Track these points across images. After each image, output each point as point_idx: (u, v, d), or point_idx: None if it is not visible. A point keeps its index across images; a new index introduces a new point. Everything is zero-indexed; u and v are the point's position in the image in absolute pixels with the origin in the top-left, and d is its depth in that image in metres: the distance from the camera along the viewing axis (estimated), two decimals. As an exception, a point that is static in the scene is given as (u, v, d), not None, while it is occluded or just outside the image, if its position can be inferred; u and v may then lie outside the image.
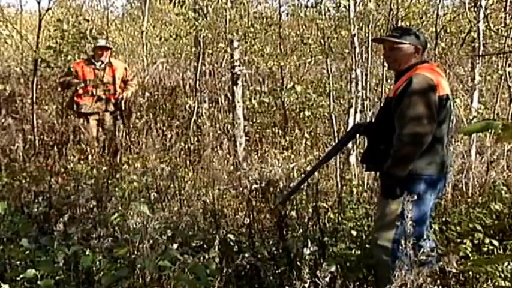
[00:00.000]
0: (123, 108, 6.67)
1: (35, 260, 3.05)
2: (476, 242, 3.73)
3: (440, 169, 3.07)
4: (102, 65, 6.57)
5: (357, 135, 4.16)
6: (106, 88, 6.53)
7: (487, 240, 3.73)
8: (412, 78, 3.03)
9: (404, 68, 3.17)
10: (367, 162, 3.35)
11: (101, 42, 6.80)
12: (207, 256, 3.03)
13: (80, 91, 6.49)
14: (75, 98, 6.60)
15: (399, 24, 6.67)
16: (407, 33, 3.24)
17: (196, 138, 7.29)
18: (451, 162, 4.41)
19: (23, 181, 4.97)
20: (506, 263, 3.33)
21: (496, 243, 3.72)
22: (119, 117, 6.71)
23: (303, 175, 5.52)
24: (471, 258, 3.55)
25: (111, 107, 6.60)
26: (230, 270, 3.10)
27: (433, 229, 3.68)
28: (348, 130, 4.19)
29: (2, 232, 3.41)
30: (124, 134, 6.73)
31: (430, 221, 3.31)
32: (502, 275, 3.28)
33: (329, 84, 6.48)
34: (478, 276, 3.28)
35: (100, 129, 6.58)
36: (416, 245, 2.56)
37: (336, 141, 5.97)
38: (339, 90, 7.49)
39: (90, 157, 6.04)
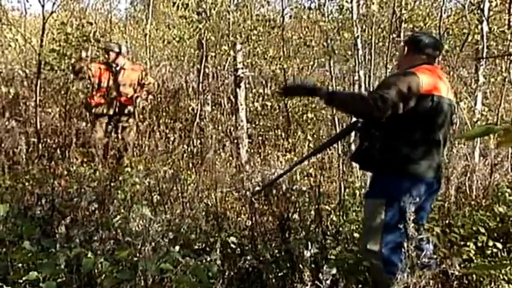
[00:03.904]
0: (132, 110, 6.68)
1: (37, 262, 3.05)
2: (479, 244, 3.71)
3: (436, 173, 3.07)
4: (117, 68, 6.60)
5: (354, 131, 4.17)
6: (111, 91, 6.55)
7: (490, 243, 3.71)
8: (398, 72, 3.17)
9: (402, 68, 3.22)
10: (357, 159, 3.36)
11: (107, 45, 6.88)
12: (209, 259, 3.02)
13: (93, 92, 6.57)
14: (88, 99, 6.69)
15: (402, 27, 6.67)
16: (411, 37, 3.36)
17: (199, 141, 7.29)
18: (453, 164, 4.41)
19: (26, 184, 4.97)
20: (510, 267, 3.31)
21: (499, 246, 3.70)
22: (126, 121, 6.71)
23: (305, 177, 5.53)
24: (474, 261, 3.53)
25: (117, 110, 6.61)
26: (232, 273, 3.09)
27: (434, 232, 3.67)
28: (346, 126, 4.22)
29: (5, 235, 3.40)
30: (132, 137, 6.73)
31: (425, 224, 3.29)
32: (506, 278, 3.27)
33: (332, 86, 6.47)
34: (481, 279, 3.26)
35: (106, 132, 6.60)
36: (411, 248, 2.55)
37: (338, 143, 5.98)
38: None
39: (96, 159, 6.05)
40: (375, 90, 3.14)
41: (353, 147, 6.28)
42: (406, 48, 3.25)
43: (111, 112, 6.57)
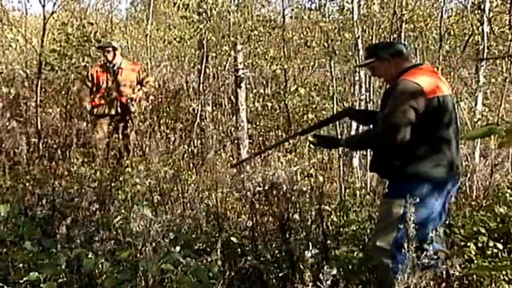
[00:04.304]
0: (132, 110, 6.65)
1: (38, 262, 3.05)
2: (480, 245, 3.70)
3: (449, 170, 3.06)
4: (115, 68, 6.60)
5: (347, 117, 4.23)
6: (111, 92, 6.55)
7: (491, 244, 3.70)
8: (396, 83, 3.09)
9: (395, 78, 3.20)
10: (375, 170, 3.37)
11: (103, 43, 6.93)
12: (209, 259, 3.03)
13: (94, 94, 6.59)
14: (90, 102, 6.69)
15: (403, 27, 6.67)
16: (371, 51, 3.39)
17: (199, 141, 7.29)
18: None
19: (27, 184, 4.97)
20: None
21: (500, 246, 3.70)
22: (127, 121, 6.70)
23: (306, 178, 5.52)
24: (475, 262, 3.53)
25: (118, 110, 6.60)
26: (233, 273, 3.10)
27: (440, 231, 3.67)
28: (339, 111, 4.28)
29: (6, 235, 3.41)
30: (133, 137, 6.73)
31: (437, 224, 3.28)
32: (506, 279, 3.27)
33: (333, 86, 6.47)
34: (482, 279, 3.26)
35: (108, 133, 6.59)
36: (418, 248, 2.55)
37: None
38: (342, 92, 7.49)
39: (97, 160, 6.05)
40: (381, 111, 3.16)
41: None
42: (385, 60, 3.24)
43: (112, 112, 6.57)
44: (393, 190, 3.15)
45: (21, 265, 3.11)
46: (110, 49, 6.62)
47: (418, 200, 2.66)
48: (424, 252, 2.67)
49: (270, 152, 7.20)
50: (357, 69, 6.49)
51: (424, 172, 3.02)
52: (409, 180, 3.03)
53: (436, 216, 3.14)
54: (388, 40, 3.74)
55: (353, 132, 6.31)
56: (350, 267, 3.38)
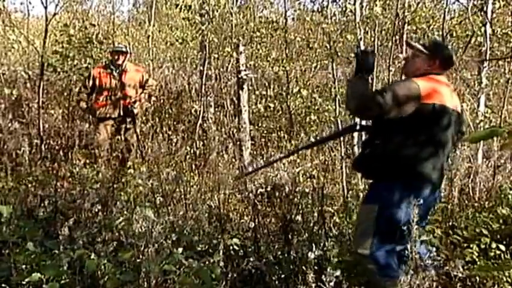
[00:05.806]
0: (135, 112, 6.63)
1: (40, 263, 3.05)
2: (482, 246, 3.70)
3: (439, 175, 3.07)
4: (119, 70, 6.58)
5: (354, 132, 4.18)
6: (116, 93, 6.53)
7: (493, 245, 3.70)
8: (406, 79, 3.14)
9: (414, 75, 3.16)
10: (357, 167, 3.36)
11: (116, 46, 6.86)
12: (211, 260, 3.03)
13: (98, 96, 6.57)
14: (91, 104, 6.68)
15: (405, 28, 6.67)
16: (431, 46, 3.26)
17: (201, 143, 7.29)
18: (456, 166, 4.40)
19: (29, 185, 4.96)
20: (513, 268, 3.30)
21: (502, 247, 3.70)
22: (130, 122, 6.69)
23: (308, 179, 5.52)
24: (477, 263, 3.53)
25: (122, 112, 6.59)
26: (235, 275, 3.09)
27: (436, 234, 3.67)
28: (347, 126, 4.25)
29: (8, 236, 3.41)
30: (136, 139, 6.72)
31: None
32: (509, 280, 3.26)
33: (335, 88, 6.47)
34: (484, 281, 3.26)
35: (110, 134, 6.58)
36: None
37: (341, 145, 5.99)
38: (344, 94, 7.47)
39: (99, 160, 6.04)
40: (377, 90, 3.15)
41: (356, 149, 6.28)
42: (431, 60, 3.17)
43: (115, 114, 6.56)
44: (371, 195, 3.12)
45: (23, 266, 3.10)
46: (123, 53, 6.61)
47: (415, 200, 2.65)
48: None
49: (273, 153, 7.21)
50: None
51: (427, 174, 3.00)
52: (391, 184, 2.99)
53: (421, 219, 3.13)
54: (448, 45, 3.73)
55: (356, 140, 6.32)
56: (352, 268, 3.37)
